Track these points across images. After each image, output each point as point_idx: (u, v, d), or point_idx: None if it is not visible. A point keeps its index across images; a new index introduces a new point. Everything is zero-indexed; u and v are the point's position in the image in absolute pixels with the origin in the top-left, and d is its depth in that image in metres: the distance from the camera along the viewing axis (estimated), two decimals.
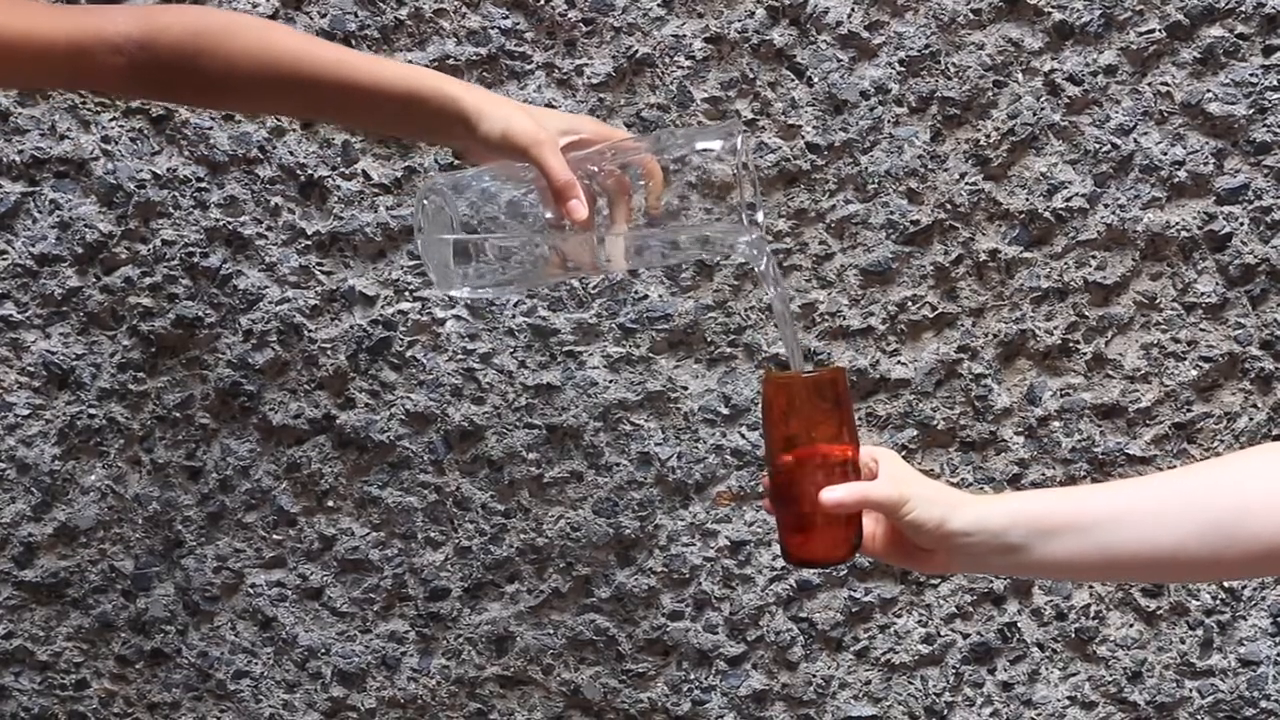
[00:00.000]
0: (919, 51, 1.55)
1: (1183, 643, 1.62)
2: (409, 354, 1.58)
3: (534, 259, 1.18)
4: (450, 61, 1.54)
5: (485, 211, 1.18)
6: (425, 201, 1.18)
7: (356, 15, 1.54)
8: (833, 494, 1.09)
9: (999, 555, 1.09)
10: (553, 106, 1.55)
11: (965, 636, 1.62)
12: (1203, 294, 1.58)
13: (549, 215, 1.16)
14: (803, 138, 1.56)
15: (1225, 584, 1.61)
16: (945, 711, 1.63)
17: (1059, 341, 1.58)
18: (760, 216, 1.18)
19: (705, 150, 1.19)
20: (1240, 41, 1.55)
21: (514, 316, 1.58)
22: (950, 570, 1.15)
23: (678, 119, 1.55)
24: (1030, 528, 1.09)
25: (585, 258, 1.18)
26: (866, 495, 1.10)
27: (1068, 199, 1.57)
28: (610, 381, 1.59)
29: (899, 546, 1.13)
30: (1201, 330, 1.58)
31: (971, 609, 1.62)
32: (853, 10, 1.54)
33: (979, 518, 1.09)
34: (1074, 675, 1.63)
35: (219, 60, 1.15)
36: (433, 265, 1.18)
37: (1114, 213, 1.57)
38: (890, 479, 1.11)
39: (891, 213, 1.57)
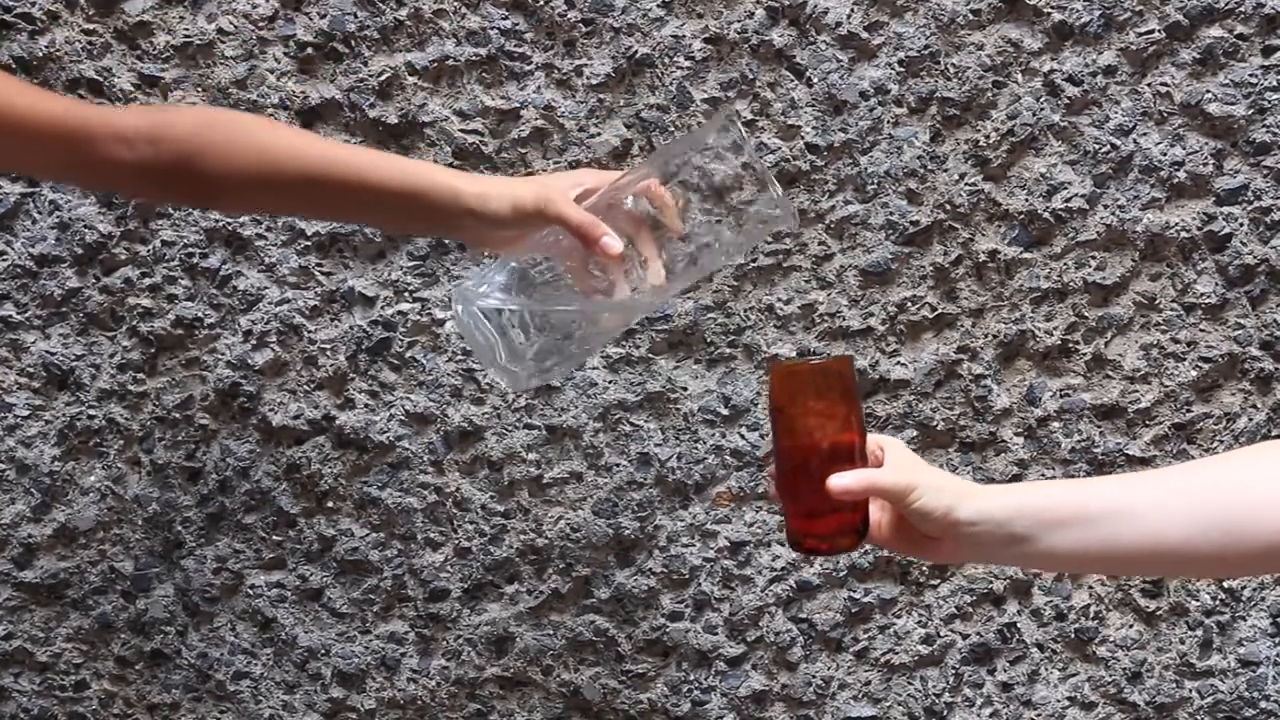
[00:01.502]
0: (918, 52, 1.55)
1: (1182, 643, 1.62)
2: (409, 354, 1.58)
3: (588, 324, 1.17)
4: (450, 62, 1.55)
5: (523, 301, 1.16)
6: (462, 315, 1.16)
7: (356, 15, 1.54)
8: (840, 480, 1.09)
9: (1004, 545, 1.09)
10: (552, 108, 1.55)
11: (965, 637, 1.62)
12: (1202, 294, 1.58)
13: (593, 269, 1.15)
14: (802, 138, 1.56)
15: (1225, 584, 1.61)
16: (945, 712, 1.63)
17: (1059, 342, 1.58)
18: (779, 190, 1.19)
19: (706, 151, 1.18)
20: (1240, 42, 1.55)
21: None
22: (956, 559, 1.15)
23: (677, 119, 1.55)
24: (1036, 519, 1.09)
25: (637, 301, 1.17)
26: (874, 482, 1.09)
27: (1067, 200, 1.57)
28: (610, 382, 1.59)
29: (905, 535, 1.12)
30: (1201, 331, 1.58)
31: (971, 610, 1.62)
32: (852, 11, 1.54)
33: (985, 507, 1.09)
34: (1074, 676, 1.63)
35: (222, 156, 1.15)
36: (497, 372, 1.17)
37: (1113, 213, 1.57)
38: (897, 467, 1.10)
39: (891, 213, 1.57)
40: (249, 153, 1.16)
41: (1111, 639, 1.62)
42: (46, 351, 1.57)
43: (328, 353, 1.58)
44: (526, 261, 1.17)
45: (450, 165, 1.55)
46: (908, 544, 1.13)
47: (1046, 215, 1.57)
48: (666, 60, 1.55)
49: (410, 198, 1.16)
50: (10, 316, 1.57)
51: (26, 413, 1.58)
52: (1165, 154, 1.56)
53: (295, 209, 1.34)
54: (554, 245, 1.17)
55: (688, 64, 1.55)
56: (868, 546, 1.60)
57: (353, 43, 1.54)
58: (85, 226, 1.56)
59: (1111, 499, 1.09)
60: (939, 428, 1.59)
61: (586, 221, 1.14)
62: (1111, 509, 1.08)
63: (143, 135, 1.14)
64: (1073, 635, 1.62)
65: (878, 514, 1.14)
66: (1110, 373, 1.59)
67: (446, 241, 1.57)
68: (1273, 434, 1.59)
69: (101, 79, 1.55)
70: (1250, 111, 1.55)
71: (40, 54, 1.54)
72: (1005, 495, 1.11)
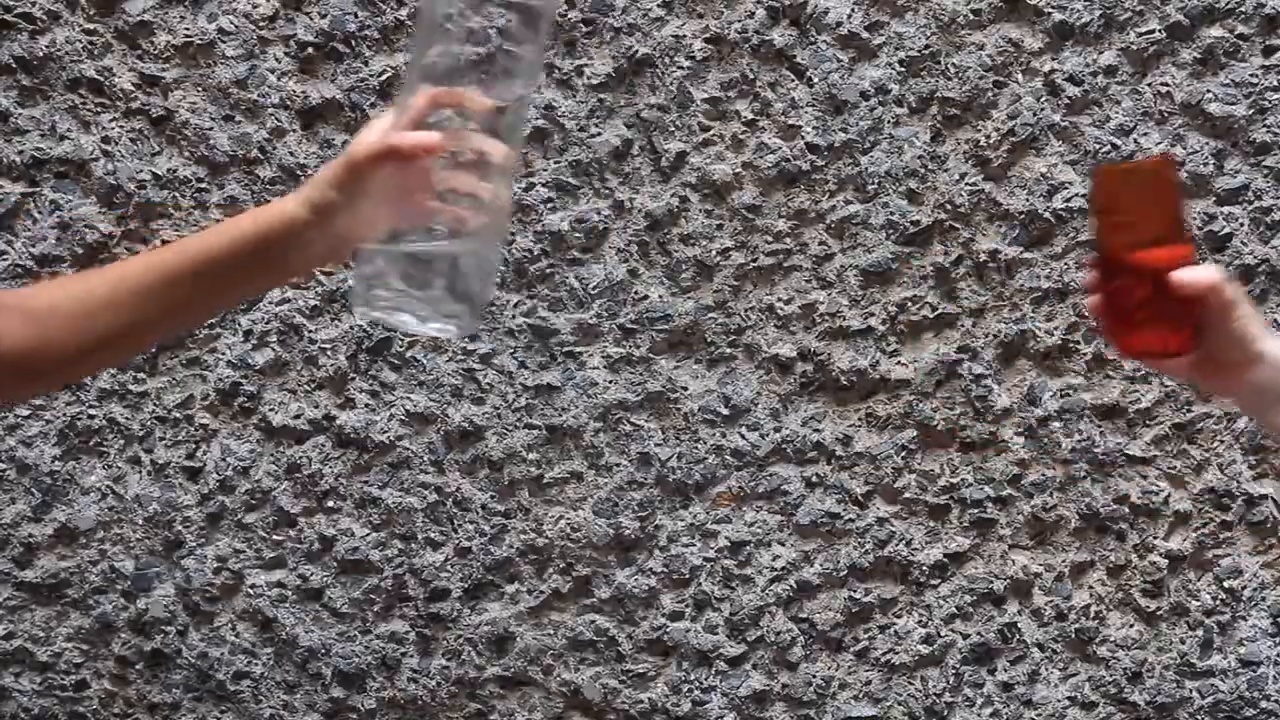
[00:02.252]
0: (919, 52, 1.55)
1: (1183, 643, 1.62)
2: (409, 354, 1.58)
3: (479, 234, 1.15)
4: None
5: (409, 245, 1.14)
6: (371, 310, 1.14)
7: (356, 15, 1.54)
8: (1191, 274, 1.06)
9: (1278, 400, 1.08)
10: (553, 107, 1.55)
11: (965, 637, 1.62)
12: None
13: (443, 190, 1.12)
14: (803, 138, 1.56)
15: (1225, 584, 1.61)
16: (945, 712, 1.63)
17: (1059, 342, 1.58)
18: None
19: (442, 25, 1.16)
20: (1240, 42, 1.55)
21: (514, 317, 1.58)
22: (1240, 395, 1.13)
23: (677, 119, 1.55)
24: None
25: (499, 182, 1.14)
26: (1216, 281, 1.06)
27: (1068, 199, 1.57)
28: (610, 382, 1.59)
29: (1206, 360, 1.09)
30: None
31: (971, 609, 1.62)
32: (853, 10, 1.54)
33: None
34: (1074, 676, 1.62)
35: (81, 289, 1.09)
36: (438, 330, 1.15)
37: None
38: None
39: (891, 213, 1.57)
40: (94, 283, 1.11)
41: (1112, 639, 1.62)
42: None
43: (328, 352, 1.58)
44: (388, 231, 1.16)
45: None
46: (1207, 370, 1.10)
47: (1047, 215, 1.57)
48: (667, 60, 1.55)
49: (252, 247, 1.13)
50: None
51: (27, 412, 1.58)
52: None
53: (162, 318, 1.20)
54: (395, 206, 1.14)
55: (688, 64, 1.55)
56: (867, 546, 1.60)
57: (353, 42, 1.54)
58: (86, 226, 1.56)
59: None
60: (939, 427, 1.59)
61: (390, 141, 1.10)
62: None
63: (11, 305, 1.05)
64: (1073, 635, 1.62)
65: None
66: (1110, 372, 1.59)
67: None
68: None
69: (102, 79, 1.55)
70: (1250, 111, 1.55)
71: (41, 54, 1.54)
72: None
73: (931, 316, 1.58)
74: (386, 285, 1.13)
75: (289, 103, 1.55)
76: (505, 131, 1.14)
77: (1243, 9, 1.54)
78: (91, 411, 1.58)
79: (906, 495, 1.60)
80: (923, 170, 1.56)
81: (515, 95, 1.16)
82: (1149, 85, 1.56)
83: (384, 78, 1.55)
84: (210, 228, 1.12)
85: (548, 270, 1.58)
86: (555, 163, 1.56)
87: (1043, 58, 1.55)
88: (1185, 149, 1.56)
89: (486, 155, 1.12)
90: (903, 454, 1.59)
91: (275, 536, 1.61)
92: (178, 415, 1.59)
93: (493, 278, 1.18)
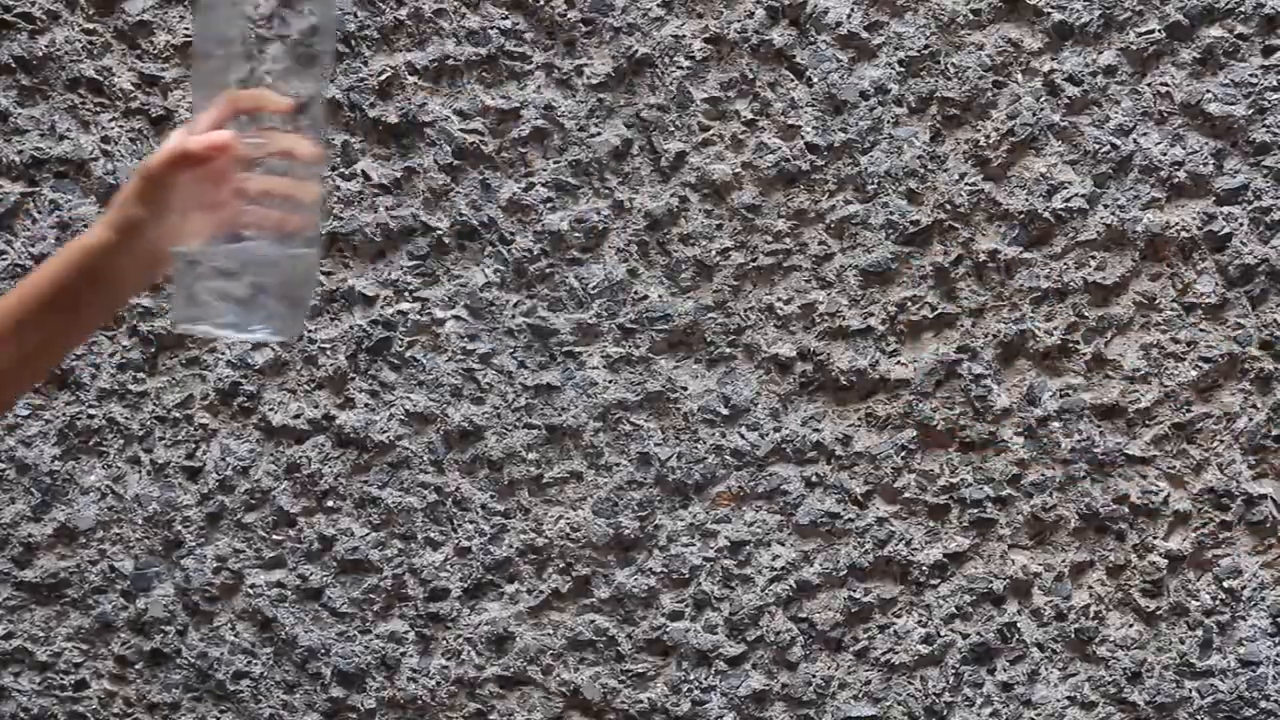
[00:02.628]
0: (918, 52, 1.55)
1: (1182, 643, 1.62)
2: (409, 354, 1.58)
3: (295, 236, 1.13)
4: (450, 61, 1.55)
5: (221, 249, 1.12)
6: (196, 324, 1.11)
7: (356, 15, 1.54)
8: None
9: None
10: (552, 107, 1.55)
11: (965, 637, 1.62)
12: (1202, 294, 1.58)
13: (256, 195, 1.10)
14: (802, 138, 1.56)
15: (1225, 584, 1.61)
16: (945, 712, 1.63)
17: (1059, 342, 1.58)
18: None
19: (217, 36, 1.14)
20: (1240, 42, 1.55)
21: (514, 317, 1.58)
22: None
23: (677, 119, 1.55)
24: None
25: (308, 177, 1.12)
26: None
27: (1067, 199, 1.57)
28: (610, 382, 1.59)
29: None
30: (1201, 330, 1.58)
31: (971, 609, 1.62)
32: (852, 10, 1.54)
33: None
34: (1073, 675, 1.63)
35: None
36: (264, 333, 1.12)
37: (1113, 213, 1.57)
38: None
39: (891, 213, 1.57)
40: None
41: (1111, 639, 1.62)
42: None
43: (328, 352, 1.58)
44: (203, 240, 1.13)
45: (450, 165, 1.55)
46: None
47: (1046, 215, 1.57)
48: (666, 60, 1.55)
49: (79, 270, 1.10)
50: None
51: (26, 412, 1.58)
52: (1165, 154, 1.56)
53: (14, 359, 1.20)
54: (204, 214, 1.11)
55: (688, 64, 1.55)
56: (867, 546, 1.60)
57: (353, 42, 1.54)
58: (85, 226, 1.56)
59: None
60: (939, 427, 1.59)
61: (181, 145, 1.05)
62: None
63: None
64: (1073, 635, 1.62)
65: None
66: (1110, 373, 1.59)
67: (446, 240, 1.57)
68: (1273, 434, 1.59)
69: (101, 78, 1.55)
70: (1250, 111, 1.55)
71: (40, 53, 1.54)
72: None
73: (931, 316, 1.58)
74: (204, 295, 1.09)
75: None
76: (309, 127, 1.11)
77: (1243, 9, 1.54)
78: (91, 411, 1.58)
79: (906, 495, 1.60)
80: (922, 170, 1.56)
81: (313, 90, 1.13)
82: (1149, 85, 1.56)
83: (383, 77, 1.55)
84: (23, 280, 1.09)
85: (547, 270, 1.58)
86: (555, 163, 1.56)
87: (1042, 58, 1.55)
88: (1185, 149, 1.56)
89: (294, 153, 1.09)
90: (902, 454, 1.59)
91: (275, 536, 1.61)
92: (177, 415, 1.59)
93: (314, 276, 1.15)
